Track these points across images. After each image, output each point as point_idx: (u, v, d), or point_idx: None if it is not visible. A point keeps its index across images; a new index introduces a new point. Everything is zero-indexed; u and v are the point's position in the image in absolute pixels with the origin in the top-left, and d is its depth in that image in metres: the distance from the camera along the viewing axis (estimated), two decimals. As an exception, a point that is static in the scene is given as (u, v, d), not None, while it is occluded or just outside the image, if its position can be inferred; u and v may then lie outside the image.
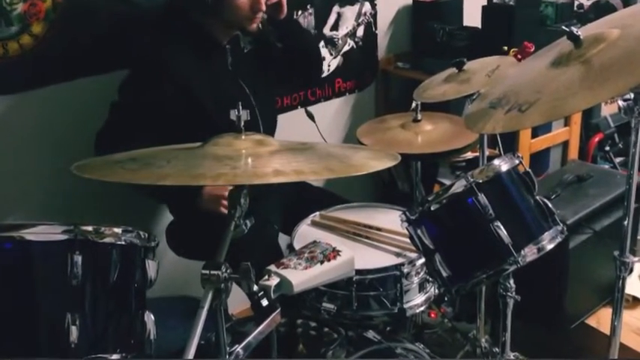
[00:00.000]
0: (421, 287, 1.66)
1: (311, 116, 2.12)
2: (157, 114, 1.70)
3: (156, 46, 1.74)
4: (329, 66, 2.59)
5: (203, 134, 1.26)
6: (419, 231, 1.47)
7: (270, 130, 1.95)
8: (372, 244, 1.72)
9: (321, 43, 2.53)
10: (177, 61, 1.73)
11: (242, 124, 1.21)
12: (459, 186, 1.42)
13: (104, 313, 1.31)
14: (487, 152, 1.86)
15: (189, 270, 1.76)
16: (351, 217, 1.82)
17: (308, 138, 1.98)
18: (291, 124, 2.34)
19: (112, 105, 1.75)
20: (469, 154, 2.50)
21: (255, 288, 1.19)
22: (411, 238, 1.50)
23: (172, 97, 1.71)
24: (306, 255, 1.39)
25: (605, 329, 1.90)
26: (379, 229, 1.75)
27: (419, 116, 2.02)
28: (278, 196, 1.97)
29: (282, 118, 2.42)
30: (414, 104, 1.99)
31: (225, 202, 1.73)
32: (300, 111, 2.41)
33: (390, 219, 1.74)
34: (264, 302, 1.21)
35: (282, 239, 1.96)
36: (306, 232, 1.77)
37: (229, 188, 1.67)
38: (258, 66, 1.94)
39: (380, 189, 2.83)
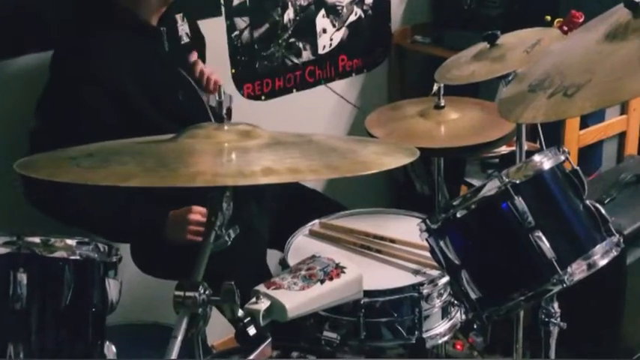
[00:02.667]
0: (444, 312, 1.66)
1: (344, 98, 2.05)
2: (90, 123, 1.69)
3: (77, 38, 1.75)
4: (331, 40, 2.59)
5: (142, 134, 1.28)
6: (442, 243, 1.47)
7: None
8: (385, 259, 1.72)
9: (322, 12, 2.53)
10: (102, 52, 1.73)
11: (224, 111, 1.21)
12: (491, 188, 1.42)
13: (54, 343, 1.31)
14: (526, 146, 1.86)
15: (160, 291, 1.75)
16: (359, 226, 1.82)
17: (305, 128, 1.98)
18: (285, 111, 2.34)
19: (31, 134, 1.73)
20: (503, 149, 2.50)
21: (241, 313, 1.19)
22: (431, 251, 1.50)
23: (102, 99, 1.70)
24: (302, 273, 1.39)
25: (671, 364, 1.90)
26: (393, 241, 1.75)
27: (442, 102, 2.02)
28: (266, 200, 1.97)
29: (274, 105, 2.43)
30: (435, 87, 1.99)
31: (192, 228, 1.75)
32: (295, 96, 2.41)
33: (406, 228, 1.74)
34: (252, 331, 1.21)
35: (272, 255, 1.96)
36: (302, 244, 1.77)
37: (199, 212, 1.73)
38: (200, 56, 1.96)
39: (394, 191, 2.84)
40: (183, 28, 1.94)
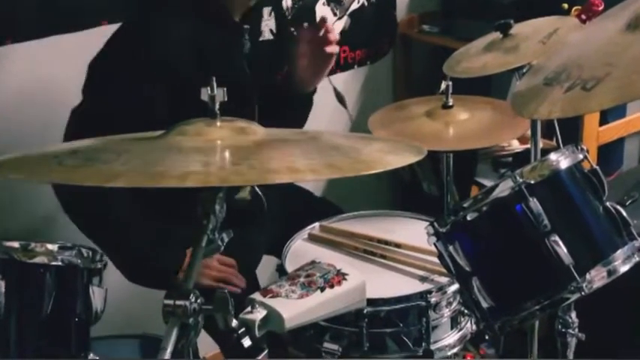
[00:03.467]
0: (454, 322, 1.66)
1: (341, 99, 2.05)
2: (140, 110, 1.66)
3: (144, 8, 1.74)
4: (332, 30, 2.59)
5: None
6: (451, 248, 1.47)
7: None
8: (389, 265, 1.72)
9: (322, 0, 2.53)
10: (163, 36, 1.70)
11: (217, 105, 1.21)
12: (503, 188, 1.42)
13: (34, 355, 1.31)
14: (541, 144, 1.86)
15: (148, 299, 1.75)
16: (362, 230, 1.83)
17: (305, 125, 1.99)
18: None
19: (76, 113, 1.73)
20: (517, 146, 2.51)
21: (235, 323, 1.19)
22: (440, 257, 1.50)
23: (157, 87, 1.69)
24: (301, 280, 1.40)
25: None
26: (398, 246, 1.76)
27: (450, 101, 2.02)
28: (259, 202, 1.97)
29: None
30: (443, 85, 1.99)
31: (211, 273, 1.75)
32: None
33: (413, 232, 1.74)
34: (247, 342, 1.21)
35: (267, 262, 1.96)
36: (301, 249, 1.78)
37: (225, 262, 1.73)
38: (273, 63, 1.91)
39: (399, 192, 2.84)
40: (268, 24, 1.87)
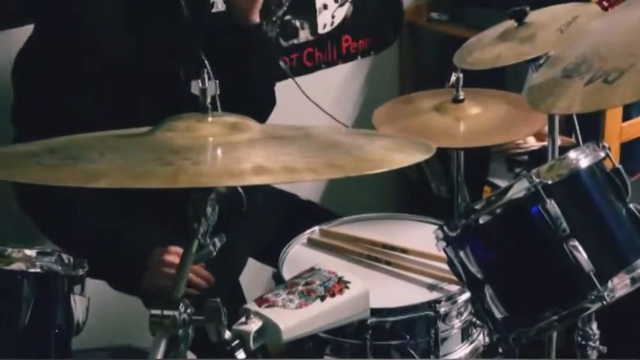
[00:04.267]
0: (465, 334, 1.66)
1: (286, 70, 2.10)
2: (76, 88, 1.70)
3: None
4: (333, 17, 2.59)
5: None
6: (462, 253, 1.47)
7: None
8: (395, 272, 1.72)
9: (323, -15, 2.54)
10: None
11: (208, 100, 1.21)
12: (519, 189, 1.42)
13: (12, 370, 1.31)
14: (559, 141, 1.86)
15: (133, 309, 1.75)
16: (365, 234, 1.83)
17: (303, 121, 1.99)
18: (279, 101, 2.34)
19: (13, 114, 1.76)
20: (533, 143, 2.51)
21: (228, 335, 1.19)
22: (450, 263, 1.50)
23: (89, 60, 1.70)
24: (300, 288, 1.39)
25: None
26: (405, 251, 1.76)
27: (461, 95, 2.02)
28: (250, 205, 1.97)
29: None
30: (453, 77, 1.99)
31: (166, 271, 1.72)
32: (290, 83, 2.41)
33: (421, 236, 1.74)
34: (241, 356, 1.20)
35: (262, 270, 1.96)
36: (299, 255, 1.78)
37: (175, 253, 1.71)
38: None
39: (406, 193, 2.84)
40: None
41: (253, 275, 2.10)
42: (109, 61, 1.71)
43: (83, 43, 1.70)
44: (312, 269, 1.47)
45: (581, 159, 1.45)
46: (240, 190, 1.74)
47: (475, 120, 2.00)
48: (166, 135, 1.19)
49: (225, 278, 1.85)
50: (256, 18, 1.86)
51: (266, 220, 2.00)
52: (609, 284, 1.40)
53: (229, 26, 1.86)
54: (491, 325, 1.47)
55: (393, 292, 1.64)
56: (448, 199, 2.38)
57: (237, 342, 1.21)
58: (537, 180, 1.41)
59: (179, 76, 1.77)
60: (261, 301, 1.34)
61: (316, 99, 2.18)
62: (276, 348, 1.57)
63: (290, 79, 2.36)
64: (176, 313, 1.13)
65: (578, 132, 1.97)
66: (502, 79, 2.48)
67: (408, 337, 1.60)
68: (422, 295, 1.62)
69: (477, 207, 1.44)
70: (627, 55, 1.24)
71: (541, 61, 1.75)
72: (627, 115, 2.52)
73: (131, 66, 1.73)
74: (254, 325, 1.26)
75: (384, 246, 1.78)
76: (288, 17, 2.49)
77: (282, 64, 2.20)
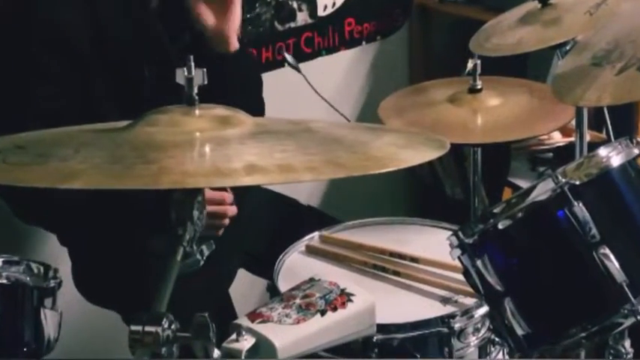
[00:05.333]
0: (482, 352, 1.66)
1: (293, 64, 2.13)
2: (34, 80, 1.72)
3: None
4: (335, -2, 2.60)
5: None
6: (479, 262, 1.47)
7: None
8: (404, 283, 1.72)
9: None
10: None
11: (195, 90, 1.21)
12: (543, 190, 1.42)
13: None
14: (588, 137, 1.86)
15: (110, 325, 1.76)
16: (371, 241, 1.83)
17: (301, 114, 1.99)
18: (274, 91, 2.34)
19: None
20: (559, 139, 2.51)
21: (217, 354, 1.19)
22: (465, 273, 1.50)
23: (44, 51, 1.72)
24: (297, 301, 1.40)
25: None
26: (415, 260, 1.76)
27: (478, 84, 2.02)
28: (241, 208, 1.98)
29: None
30: (470, 64, 1.99)
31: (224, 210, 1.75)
32: (288, 72, 2.41)
33: (433, 243, 1.75)
34: (231, 377, 1.21)
35: (255, 281, 1.96)
36: (297, 264, 1.78)
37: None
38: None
39: (416, 195, 2.84)
40: None
41: (245, 287, 2.10)
42: (68, 48, 1.73)
43: (41, 25, 1.72)
44: (311, 280, 1.47)
45: (613, 156, 1.45)
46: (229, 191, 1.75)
47: (494, 112, 2.01)
48: (148, 130, 1.19)
49: (214, 290, 1.85)
50: (235, 44, 1.85)
51: (258, 225, 2.00)
52: (644, 297, 1.40)
53: (204, 54, 1.80)
54: (512, 343, 1.47)
55: (402, 306, 1.65)
56: (463, 201, 2.38)
57: (227, 362, 1.22)
58: (563, 180, 1.41)
59: (143, 73, 1.79)
60: (254, 315, 1.35)
61: (316, 89, 2.18)
62: (271, 368, 1.58)
63: (283, 69, 2.38)
64: (159, 329, 1.12)
65: (609, 126, 1.97)
66: (524, 67, 2.48)
67: (418, 355, 1.59)
68: (434, 310, 1.63)
69: (496, 210, 1.44)
70: (664, 40, 1.24)
71: (567, 47, 1.75)
72: (664, 108, 2.53)
73: (91, 56, 1.75)
74: (246, 343, 1.27)
75: (392, 254, 1.78)
76: (284, -2, 2.50)
77: (288, 57, 2.19)
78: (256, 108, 1.94)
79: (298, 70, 2.17)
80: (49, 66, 1.72)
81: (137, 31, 1.80)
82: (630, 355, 1.63)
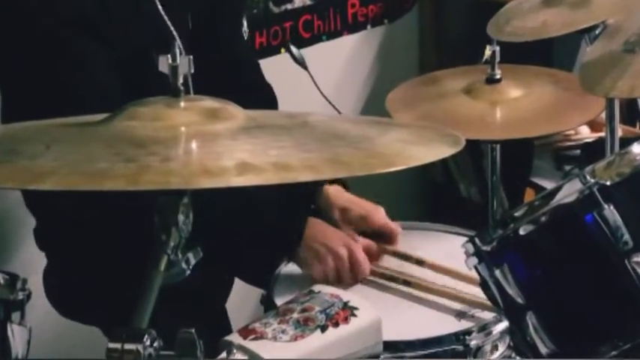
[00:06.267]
0: (502, 373, 1.66)
1: (299, 59, 2.12)
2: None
3: None
4: (337, -23, 2.60)
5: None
6: (498, 272, 1.47)
7: None
8: (414, 295, 1.73)
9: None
10: None
11: (180, 80, 1.21)
12: (569, 192, 1.42)
13: None
14: (620, 132, 1.86)
15: (86, 341, 1.75)
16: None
17: (299, 106, 1.98)
18: (270, 80, 2.34)
19: None
20: (587, 134, 2.51)
21: (205, 375, 1.19)
22: (483, 285, 1.50)
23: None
24: (295, 316, 1.40)
25: None
26: (421, 263, 1.77)
27: (497, 73, 2.02)
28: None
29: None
30: (488, 51, 1.99)
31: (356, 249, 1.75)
32: (284, 59, 2.41)
33: (446, 251, 1.76)
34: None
35: (246, 291, 1.96)
36: (295, 273, 1.78)
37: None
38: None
39: (428, 197, 2.84)
40: None
41: (236, 299, 2.10)
42: (66, 23, 1.73)
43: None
44: (310, 292, 1.48)
45: (647, 154, 1.45)
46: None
47: (515, 105, 2.01)
48: (127, 124, 1.19)
49: (207, 304, 1.85)
50: None
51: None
52: (683, 311, 1.40)
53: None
54: (535, 362, 1.47)
55: (412, 321, 1.65)
56: (481, 204, 2.38)
57: (216, 383, 1.22)
58: (592, 180, 1.41)
59: (150, 57, 1.78)
60: (246, 331, 1.35)
61: (315, 79, 2.17)
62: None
63: (279, 56, 2.37)
64: (139, 347, 1.12)
65: (644, 120, 1.97)
66: (549, 54, 2.48)
67: (430, 376, 1.60)
68: (448, 325, 1.63)
69: (517, 214, 1.44)
70: None
71: (597, 32, 1.75)
72: None
73: (92, 33, 1.76)
74: (238, 363, 1.27)
75: (400, 263, 1.79)
76: (279, -24, 2.50)
77: (293, 49, 2.18)
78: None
79: (304, 66, 2.15)
80: (50, 42, 1.74)
81: (143, 15, 1.82)
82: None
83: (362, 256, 1.75)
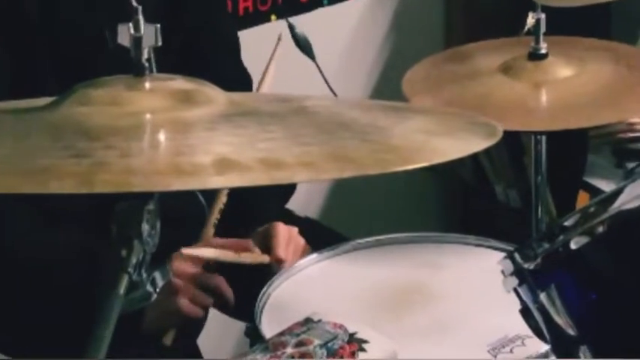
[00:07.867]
0: (548, 422, 1.67)
1: (306, 46, 2.12)
2: None
3: None
4: None
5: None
6: (543, 296, 1.47)
7: None
8: (438, 324, 1.73)
9: None
10: None
11: (144, 54, 1.20)
12: (633, 195, 1.42)
13: None
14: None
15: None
16: (391, 266, 1.86)
17: (295, 86, 1.99)
18: (257, 55, 2.35)
19: None
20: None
21: None
22: (524, 312, 1.50)
23: None
24: (288, 351, 1.40)
25: None
26: (446, 281, 1.76)
27: (543, 46, 2.03)
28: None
29: (241, 43, 2.44)
30: (530, 19, 2.00)
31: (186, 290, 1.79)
32: (276, 27, 2.42)
33: (478, 270, 1.78)
34: None
35: (228, 321, 1.97)
36: (288, 297, 1.79)
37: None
38: None
39: (456, 202, 2.85)
40: None
41: (217, 332, 2.10)
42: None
43: None
44: (307, 321, 1.48)
45: None
46: (201, 198, 1.76)
47: (564, 87, 2.01)
48: (78, 110, 1.19)
49: (177, 337, 1.86)
50: None
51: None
52: None
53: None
54: (590, 409, 1.47)
55: (436, 356, 1.65)
56: (521, 210, 2.39)
57: None
58: (662, 181, 1.41)
59: (103, 37, 1.81)
60: (228, 370, 1.35)
61: (315, 53, 2.18)
62: None
63: (270, 24, 2.38)
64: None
65: None
66: (606, 24, 2.48)
67: None
68: (480, 362, 1.64)
69: (568, 224, 1.45)
70: None
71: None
72: None
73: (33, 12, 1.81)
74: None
75: (420, 284, 1.79)
76: None
77: (298, 31, 2.18)
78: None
79: (312, 55, 2.14)
80: None
81: None
82: None
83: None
